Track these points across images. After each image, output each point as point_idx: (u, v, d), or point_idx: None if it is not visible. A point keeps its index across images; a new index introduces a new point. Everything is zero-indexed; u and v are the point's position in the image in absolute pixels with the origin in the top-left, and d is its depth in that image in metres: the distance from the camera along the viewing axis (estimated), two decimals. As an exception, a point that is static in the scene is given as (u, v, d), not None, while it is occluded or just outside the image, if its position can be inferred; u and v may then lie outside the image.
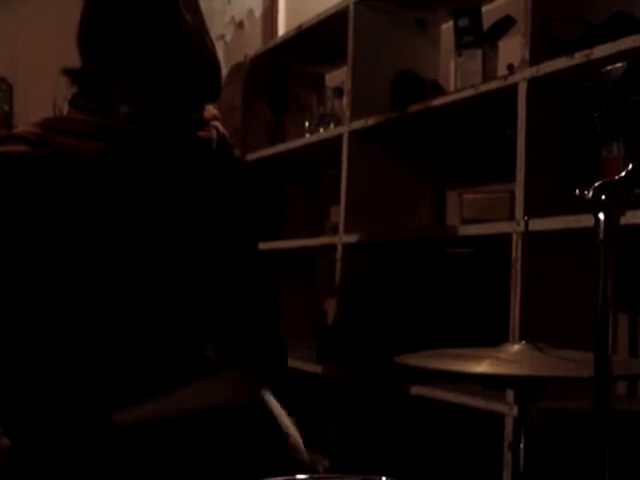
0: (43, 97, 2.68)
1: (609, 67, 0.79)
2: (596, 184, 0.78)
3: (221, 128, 1.33)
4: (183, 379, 1.21)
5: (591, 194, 0.77)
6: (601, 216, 0.76)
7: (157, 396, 1.14)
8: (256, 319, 1.35)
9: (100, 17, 1.22)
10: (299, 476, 0.87)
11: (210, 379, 1.21)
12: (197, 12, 1.27)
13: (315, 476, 1.05)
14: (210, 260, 1.28)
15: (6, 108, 3.54)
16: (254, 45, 2.93)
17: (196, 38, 1.24)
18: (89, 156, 1.18)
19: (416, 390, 1.84)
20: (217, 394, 1.18)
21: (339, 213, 2.18)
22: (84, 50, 1.24)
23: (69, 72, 1.25)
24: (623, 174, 0.78)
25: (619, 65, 0.78)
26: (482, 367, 1.10)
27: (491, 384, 1.63)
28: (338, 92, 2.40)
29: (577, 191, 0.78)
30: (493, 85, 1.70)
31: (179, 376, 1.22)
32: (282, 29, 3.01)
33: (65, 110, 1.30)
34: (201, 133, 1.28)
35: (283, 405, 1.26)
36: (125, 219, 1.20)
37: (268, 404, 1.24)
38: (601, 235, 0.76)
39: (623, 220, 0.79)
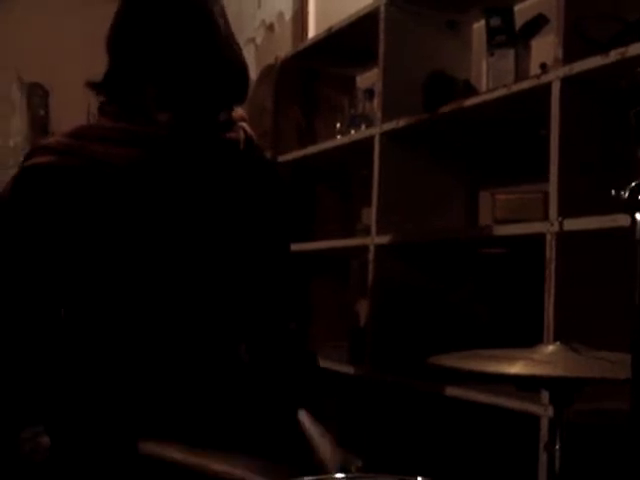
0: (78, 103, 2.72)
1: (645, 66, 0.78)
2: (632, 184, 0.77)
3: (248, 129, 1.34)
4: (216, 379, 1.23)
5: (627, 194, 0.77)
6: (638, 216, 0.76)
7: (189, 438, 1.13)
8: (287, 320, 1.36)
9: (133, 24, 1.24)
10: (337, 475, 0.87)
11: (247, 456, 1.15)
12: (224, 16, 1.29)
13: (352, 475, 1.05)
14: (240, 262, 1.29)
15: (42, 113, 3.60)
16: (284, 48, 2.95)
17: (225, 42, 1.26)
18: (117, 162, 1.19)
19: (450, 391, 1.83)
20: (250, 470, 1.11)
21: (371, 214, 2.18)
22: (115, 56, 1.25)
23: (94, 85, 1.27)
24: (660, 173, 0.78)
25: (655, 64, 0.77)
26: (517, 368, 1.09)
27: (525, 385, 1.62)
28: (369, 93, 2.40)
29: (613, 191, 0.78)
30: (526, 85, 1.68)
31: (212, 376, 1.23)
32: (312, 31, 3.02)
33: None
34: (229, 134, 1.30)
35: (317, 421, 1.24)
36: (154, 224, 1.22)
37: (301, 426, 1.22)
38: (637, 235, 0.76)
39: (660, 220, 0.79)
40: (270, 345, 1.33)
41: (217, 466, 1.09)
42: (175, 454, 1.11)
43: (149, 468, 1.12)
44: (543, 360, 1.13)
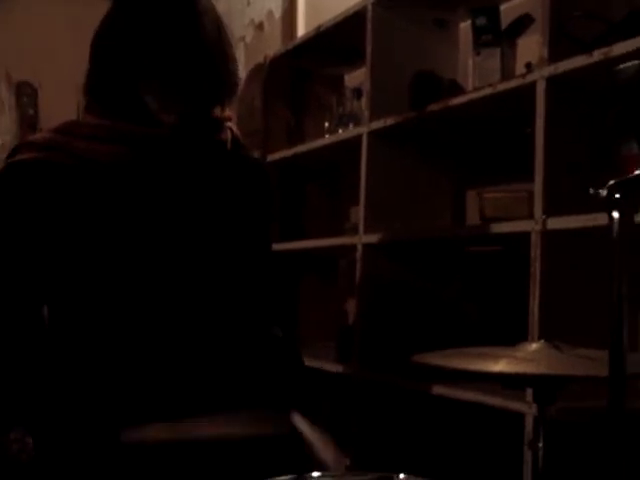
0: (67, 101, 2.72)
1: (621, 65, 0.79)
2: (610, 182, 0.78)
3: (235, 129, 1.34)
4: (200, 379, 1.23)
5: (605, 192, 0.77)
6: (615, 214, 0.77)
7: (170, 418, 1.14)
8: (271, 323, 1.36)
9: (124, 27, 1.24)
10: (314, 473, 0.88)
11: (228, 413, 1.18)
12: (215, 12, 1.29)
13: (333, 473, 1.06)
14: (224, 262, 1.29)
15: (31, 112, 3.59)
16: (274, 46, 2.95)
17: (215, 40, 1.26)
18: (103, 160, 1.19)
19: (436, 389, 1.84)
20: (235, 426, 1.16)
21: (359, 213, 2.19)
22: (105, 57, 1.25)
23: (87, 89, 1.27)
24: (637, 172, 0.78)
25: (631, 64, 0.78)
26: (500, 366, 1.10)
27: (510, 383, 1.63)
28: (357, 92, 2.41)
29: (591, 189, 0.78)
30: (511, 84, 1.69)
31: (195, 376, 1.23)
32: (301, 30, 3.02)
33: None
34: (218, 135, 1.30)
35: (315, 425, 1.24)
36: (138, 223, 1.21)
37: (298, 431, 1.22)
38: (615, 233, 0.76)
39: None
40: (254, 349, 1.33)
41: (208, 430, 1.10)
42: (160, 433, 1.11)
43: (135, 457, 1.12)
44: (526, 358, 1.13)
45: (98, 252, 1.19)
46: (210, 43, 1.25)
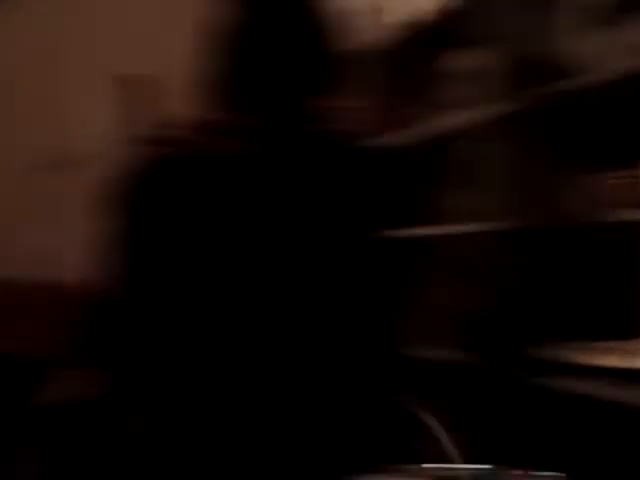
0: (178, 96, 2.77)
1: None
2: None
3: (341, 119, 1.32)
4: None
5: None
6: None
7: None
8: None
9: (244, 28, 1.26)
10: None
11: None
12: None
13: (433, 466, 1.00)
14: (338, 257, 1.24)
15: (132, 106, 3.68)
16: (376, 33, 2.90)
17: (314, 28, 1.25)
18: (228, 155, 1.20)
19: (565, 384, 1.75)
20: None
21: (472, 201, 2.15)
22: (224, 54, 1.26)
23: (207, 86, 1.29)
24: None
25: None
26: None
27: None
28: (468, 77, 2.35)
29: None
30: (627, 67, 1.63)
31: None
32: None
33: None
34: (321, 126, 1.28)
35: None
36: (268, 222, 1.20)
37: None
38: None
39: None
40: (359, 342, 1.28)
41: None
42: None
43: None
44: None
45: (212, 247, 1.17)
46: (311, 32, 1.23)
